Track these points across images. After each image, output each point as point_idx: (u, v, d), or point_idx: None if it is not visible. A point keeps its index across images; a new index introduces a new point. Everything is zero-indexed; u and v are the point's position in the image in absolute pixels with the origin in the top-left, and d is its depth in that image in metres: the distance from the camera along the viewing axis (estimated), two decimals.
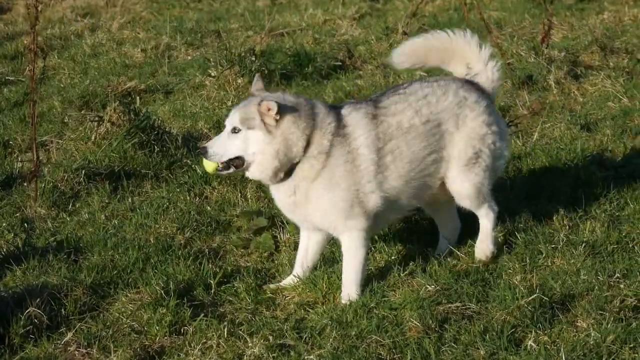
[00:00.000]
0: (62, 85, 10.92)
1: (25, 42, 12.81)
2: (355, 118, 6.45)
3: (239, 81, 10.66)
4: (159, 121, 9.55)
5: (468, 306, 5.95)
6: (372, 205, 6.39)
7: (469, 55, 6.93)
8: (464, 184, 6.61)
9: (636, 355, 5.57)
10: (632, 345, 5.56)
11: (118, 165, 8.68)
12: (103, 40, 12.95)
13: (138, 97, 10.89)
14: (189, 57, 12.66)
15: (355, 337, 5.62)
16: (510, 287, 6.21)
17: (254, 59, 11.02)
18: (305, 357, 5.65)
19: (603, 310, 5.92)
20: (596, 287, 6.17)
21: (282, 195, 6.40)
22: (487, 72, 6.87)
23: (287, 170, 6.28)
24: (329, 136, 6.36)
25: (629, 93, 9.97)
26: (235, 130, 6.24)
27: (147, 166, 8.61)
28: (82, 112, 9.90)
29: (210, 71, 11.19)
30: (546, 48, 11.38)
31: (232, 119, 6.29)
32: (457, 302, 5.97)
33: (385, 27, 13.23)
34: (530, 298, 5.97)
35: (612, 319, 5.80)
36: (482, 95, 6.69)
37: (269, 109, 6.12)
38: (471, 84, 6.78)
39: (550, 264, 6.57)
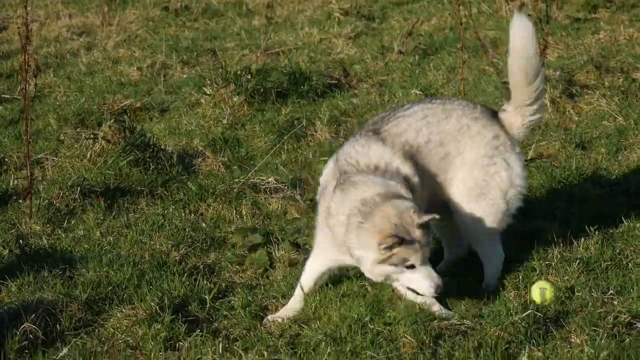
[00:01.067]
0: (57, 103, 10.96)
1: (20, 60, 12.92)
2: None
3: (235, 99, 10.64)
4: (154, 139, 9.60)
5: (462, 322, 5.92)
6: None
7: (517, 90, 6.81)
8: (465, 216, 6.58)
9: None
10: None
11: (113, 182, 8.74)
12: (99, 59, 13.00)
13: (134, 115, 10.72)
14: (185, 76, 12.61)
15: (349, 353, 5.63)
16: (504, 303, 6.19)
17: (249, 77, 10.97)
18: None
19: (597, 327, 5.94)
20: (590, 304, 6.19)
21: None
22: (515, 115, 6.71)
23: None
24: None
25: (624, 112, 9.99)
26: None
27: (143, 183, 8.67)
28: (78, 129, 9.92)
29: (205, 89, 11.16)
30: (542, 67, 11.28)
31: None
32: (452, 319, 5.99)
33: (381, 46, 13.24)
34: (524, 314, 5.96)
35: (605, 335, 5.82)
36: (489, 127, 6.57)
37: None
38: (486, 114, 6.67)
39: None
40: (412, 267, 5.89)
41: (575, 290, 6.14)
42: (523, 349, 5.77)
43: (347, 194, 6.15)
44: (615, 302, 5.80)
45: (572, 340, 5.92)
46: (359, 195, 6.08)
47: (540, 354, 5.76)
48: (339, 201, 6.21)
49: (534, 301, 5.71)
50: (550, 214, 7.47)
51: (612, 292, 5.99)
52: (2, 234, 7.62)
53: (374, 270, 6.01)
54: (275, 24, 15.12)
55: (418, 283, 5.94)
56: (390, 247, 5.83)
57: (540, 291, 5.73)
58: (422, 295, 6.01)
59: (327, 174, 6.49)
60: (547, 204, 7.54)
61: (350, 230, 6.01)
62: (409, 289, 6.07)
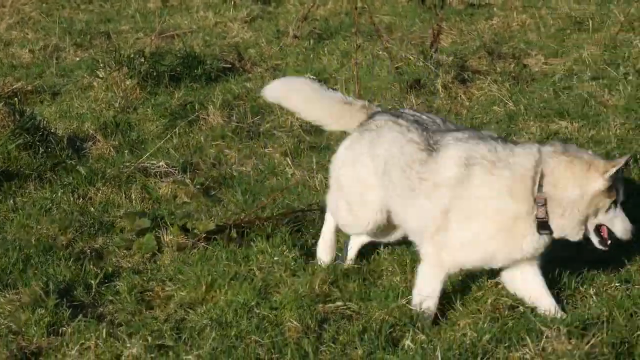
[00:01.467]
0: None
1: None
2: None
3: (127, 83, 10.64)
4: (45, 122, 9.54)
5: (348, 306, 5.95)
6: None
7: None
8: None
9: (510, 354, 5.66)
10: (507, 345, 5.67)
11: (1, 166, 8.62)
12: None
13: (24, 98, 10.61)
14: (78, 59, 12.65)
15: (234, 338, 5.67)
16: (391, 287, 6.30)
17: (142, 60, 11.03)
18: (184, 358, 5.62)
19: (479, 310, 6.10)
20: (473, 287, 6.35)
21: None
22: None
23: None
24: None
25: (514, 97, 10.32)
26: None
27: (31, 167, 8.56)
28: None
29: (98, 72, 11.10)
30: (435, 52, 11.68)
31: None
32: (337, 302, 5.97)
33: (276, 30, 13.63)
34: (409, 297, 6.07)
35: (488, 318, 5.98)
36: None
37: None
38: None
39: None
40: (614, 205, 6.07)
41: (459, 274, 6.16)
42: (407, 332, 5.79)
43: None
44: (500, 286, 5.88)
45: (457, 324, 6.01)
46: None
47: (423, 337, 5.80)
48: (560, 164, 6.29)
49: None
50: None
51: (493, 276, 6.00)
52: None
53: (588, 208, 6.13)
54: (171, 7, 15.32)
55: (621, 223, 6.12)
56: (615, 174, 6.00)
57: None
58: (619, 237, 6.13)
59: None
60: None
61: (567, 168, 6.12)
62: (600, 232, 6.17)
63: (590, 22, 13.54)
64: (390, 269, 6.67)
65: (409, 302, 6.15)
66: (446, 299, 6.37)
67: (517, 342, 5.78)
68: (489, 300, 6.27)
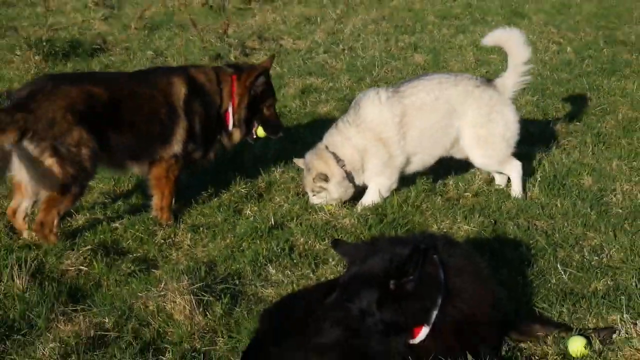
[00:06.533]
0: None
1: None
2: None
3: (36, 58, 12.17)
4: None
5: None
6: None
7: (513, 57, 7.46)
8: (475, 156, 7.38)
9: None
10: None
11: None
12: None
13: None
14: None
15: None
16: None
17: (44, 44, 12.50)
18: None
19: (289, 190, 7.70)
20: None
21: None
22: (510, 79, 7.46)
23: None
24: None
25: (279, 64, 12.13)
26: (313, 193, 7.42)
27: None
28: None
29: (17, 52, 12.37)
30: (226, 38, 13.81)
31: (308, 191, 7.48)
32: None
33: (122, 25, 15.15)
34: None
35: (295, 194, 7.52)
36: (486, 91, 7.28)
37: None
38: (484, 82, 7.41)
39: None
40: None
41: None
42: (246, 205, 7.62)
43: None
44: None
45: (276, 199, 7.67)
46: None
47: (256, 208, 7.48)
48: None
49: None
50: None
51: None
52: None
53: None
54: (52, 10, 15.87)
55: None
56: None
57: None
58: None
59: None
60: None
61: None
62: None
63: (318, 18, 15.64)
64: None
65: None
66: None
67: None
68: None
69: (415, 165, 7.36)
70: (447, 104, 7.12)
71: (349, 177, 7.15)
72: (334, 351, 4.49)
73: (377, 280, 4.41)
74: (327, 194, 7.16)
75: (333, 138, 7.22)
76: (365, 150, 7.10)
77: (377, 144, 7.10)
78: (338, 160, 7.17)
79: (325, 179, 7.11)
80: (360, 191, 7.53)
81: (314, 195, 7.22)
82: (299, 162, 7.50)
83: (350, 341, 4.49)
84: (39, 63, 12.23)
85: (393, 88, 7.23)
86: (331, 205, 7.20)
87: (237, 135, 7.50)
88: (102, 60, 12.74)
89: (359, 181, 7.25)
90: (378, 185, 7.22)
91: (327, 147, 7.22)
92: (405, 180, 7.72)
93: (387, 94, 7.12)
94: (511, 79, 7.37)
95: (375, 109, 7.09)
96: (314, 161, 7.20)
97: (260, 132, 7.57)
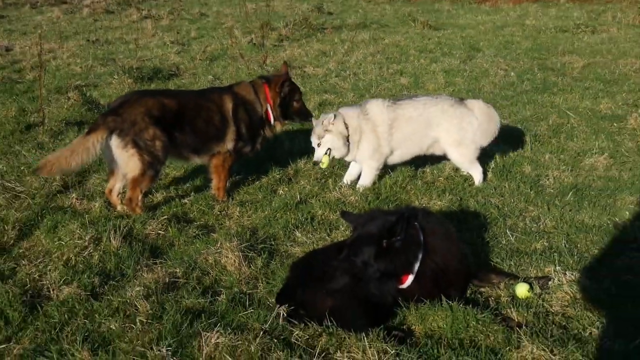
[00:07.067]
0: None
1: None
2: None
3: (128, 81, 11.82)
4: (97, 99, 10.41)
5: None
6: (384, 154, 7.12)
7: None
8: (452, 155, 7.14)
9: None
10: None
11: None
12: None
13: (86, 90, 11.12)
14: (104, 69, 13.20)
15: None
16: None
17: (134, 71, 12.27)
18: None
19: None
20: None
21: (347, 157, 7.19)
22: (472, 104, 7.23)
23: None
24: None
25: (304, 84, 11.44)
26: (318, 144, 7.07)
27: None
28: None
29: (114, 76, 12.01)
30: (265, 66, 13.28)
31: (313, 140, 7.10)
32: None
33: (190, 57, 14.53)
34: None
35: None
36: (458, 109, 7.07)
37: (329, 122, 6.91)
38: (457, 102, 7.16)
39: None
40: None
41: None
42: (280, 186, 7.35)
43: None
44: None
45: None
46: None
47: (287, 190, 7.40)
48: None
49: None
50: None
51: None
52: None
53: None
54: (140, 46, 15.74)
55: None
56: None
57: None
58: None
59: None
60: None
61: None
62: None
63: (331, 52, 15.20)
64: None
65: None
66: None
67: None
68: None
69: (396, 157, 7.13)
70: (426, 119, 6.95)
71: (345, 138, 6.93)
72: (344, 293, 4.51)
73: (374, 240, 4.44)
74: (327, 142, 6.89)
75: (347, 111, 7.07)
76: (362, 132, 6.92)
77: (372, 133, 6.91)
78: (344, 123, 6.97)
79: (329, 128, 6.89)
80: (346, 165, 7.49)
81: (318, 143, 6.96)
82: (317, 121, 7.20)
83: (355, 286, 4.51)
84: (130, 84, 12.00)
85: (392, 100, 7.09)
86: (326, 163, 7.01)
87: (278, 127, 7.31)
88: (175, 82, 12.42)
89: (351, 150, 7.03)
90: (369, 167, 7.03)
91: (340, 114, 7.05)
92: (394, 169, 7.61)
93: (388, 103, 7.00)
94: (475, 105, 7.25)
95: (378, 110, 6.95)
96: (327, 116, 6.97)
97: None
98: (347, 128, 6.85)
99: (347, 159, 7.09)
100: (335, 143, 6.83)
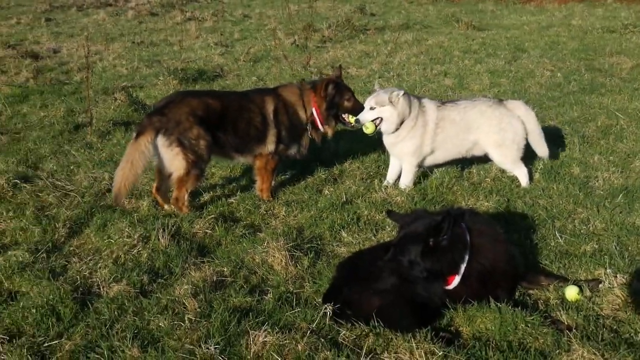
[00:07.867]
0: None
1: None
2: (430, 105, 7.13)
3: (174, 82, 11.87)
4: (142, 99, 10.53)
5: None
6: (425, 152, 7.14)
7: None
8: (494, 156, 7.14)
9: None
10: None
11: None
12: None
13: (133, 91, 11.20)
14: (150, 70, 13.38)
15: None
16: None
17: (179, 72, 12.30)
18: None
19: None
20: None
21: (390, 138, 7.12)
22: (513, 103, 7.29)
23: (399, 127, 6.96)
24: (415, 112, 7.04)
25: (348, 83, 11.44)
26: (372, 108, 6.96)
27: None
28: None
29: (160, 77, 12.11)
30: (308, 67, 13.27)
31: (370, 102, 6.97)
32: None
33: (234, 58, 14.52)
34: None
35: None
36: (497, 109, 7.08)
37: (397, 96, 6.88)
38: (496, 102, 7.18)
39: None
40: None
41: None
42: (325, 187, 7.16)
43: None
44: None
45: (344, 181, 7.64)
46: None
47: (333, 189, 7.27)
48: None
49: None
50: None
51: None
52: None
53: None
54: (184, 48, 15.90)
55: None
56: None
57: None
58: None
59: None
60: None
61: None
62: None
63: (374, 53, 15.06)
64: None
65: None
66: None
67: None
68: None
69: (434, 158, 7.13)
70: (466, 123, 6.98)
71: (402, 119, 6.94)
72: (391, 293, 4.50)
73: (420, 238, 4.43)
74: (384, 111, 6.86)
75: (412, 98, 7.05)
76: (416, 124, 6.96)
77: (423, 127, 6.91)
78: (409, 107, 6.99)
79: (394, 101, 6.88)
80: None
81: (372, 107, 6.89)
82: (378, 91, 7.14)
83: (402, 286, 4.50)
84: (176, 85, 12.07)
85: (442, 102, 7.17)
86: (370, 129, 6.94)
87: (329, 132, 7.26)
88: (220, 83, 12.44)
89: (398, 134, 7.04)
90: (409, 165, 7.02)
91: (408, 96, 7.05)
92: (440, 170, 7.60)
93: (439, 105, 7.06)
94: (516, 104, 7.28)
95: (431, 109, 6.99)
96: (397, 90, 6.94)
97: (351, 119, 7.14)
98: (409, 112, 6.84)
99: (387, 139, 7.05)
100: (393, 118, 6.79)
